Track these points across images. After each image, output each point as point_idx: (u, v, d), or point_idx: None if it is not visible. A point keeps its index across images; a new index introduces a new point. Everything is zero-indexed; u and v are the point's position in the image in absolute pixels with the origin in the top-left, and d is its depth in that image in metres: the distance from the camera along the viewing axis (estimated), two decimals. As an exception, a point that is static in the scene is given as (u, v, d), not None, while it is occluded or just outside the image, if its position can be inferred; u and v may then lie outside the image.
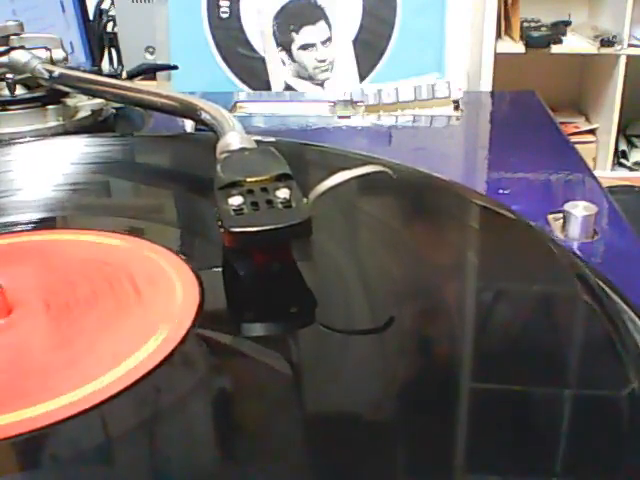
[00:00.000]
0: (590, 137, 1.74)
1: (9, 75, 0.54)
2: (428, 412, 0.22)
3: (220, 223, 0.27)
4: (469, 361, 0.25)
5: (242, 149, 0.34)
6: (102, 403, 0.22)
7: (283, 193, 0.28)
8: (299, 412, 0.23)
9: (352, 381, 0.24)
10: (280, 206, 0.27)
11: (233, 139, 0.34)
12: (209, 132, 0.39)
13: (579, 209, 0.36)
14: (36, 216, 0.36)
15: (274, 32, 0.82)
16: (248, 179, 0.29)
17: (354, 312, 0.28)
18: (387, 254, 0.32)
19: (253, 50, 0.82)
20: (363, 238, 0.35)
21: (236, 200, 0.28)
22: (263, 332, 0.27)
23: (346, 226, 0.36)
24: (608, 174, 1.66)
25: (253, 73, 0.83)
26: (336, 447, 0.20)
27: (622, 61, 1.57)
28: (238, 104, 0.66)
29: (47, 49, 0.55)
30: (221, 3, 0.81)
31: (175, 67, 0.75)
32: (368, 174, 0.29)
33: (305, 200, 0.28)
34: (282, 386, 0.24)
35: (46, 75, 0.52)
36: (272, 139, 0.45)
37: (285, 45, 0.82)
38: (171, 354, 0.24)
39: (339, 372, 0.24)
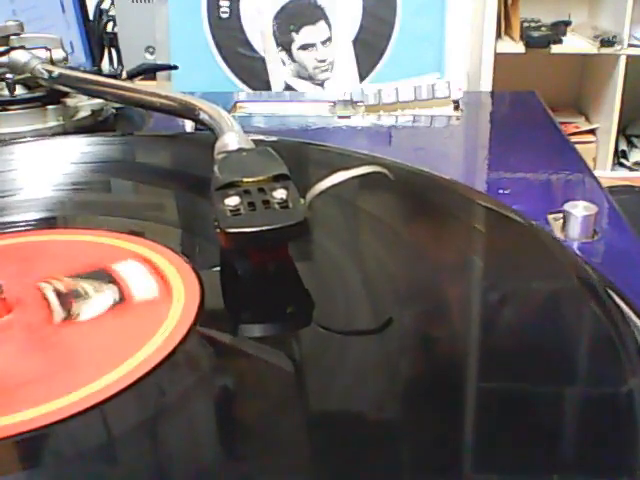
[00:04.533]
0: (590, 137, 1.74)
1: (9, 75, 0.54)
2: (427, 413, 0.22)
3: (217, 224, 0.27)
4: (468, 361, 0.25)
5: (240, 149, 0.34)
6: (103, 403, 0.22)
7: (280, 193, 0.28)
8: (297, 412, 0.23)
9: (350, 382, 0.24)
10: (277, 207, 0.27)
11: (231, 139, 0.35)
12: (209, 131, 0.39)
13: (579, 209, 0.36)
14: (36, 216, 0.36)
15: (274, 32, 0.82)
16: (245, 179, 0.29)
17: (352, 312, 0.28)
18: (386, 254, 0.32)
19: (253, 50, 0.82)
20: (362, 238, 0.35)
21: (233, 201, 0.28)
22: (262, 333, 0.27)
23: (345, 226, 0.36)
24: (608, 174, 1.66)
25: (253, 73, 0.83)
26: (334, 447, 0.20)
27: (622, 61, 1.57)
28: (238, 104, 0.66)
29: (47, 49, 0.55)
30: (221, 3, 0.81)
31: (175, 67, 0.75)
32: (365, 175, 0.29)
33: (302, 201, 0.28)
34: (281, 386, 0.24)
35: (46, 75, 0.52)
36: (274, 138, 0.45)
37: (285, 45, 0.82)
38: (172, 353, 0.24)
39: (336, 373, 0.24)
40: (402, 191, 0.37)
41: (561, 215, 0.36)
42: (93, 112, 0.56)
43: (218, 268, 0.30)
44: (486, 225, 0.36)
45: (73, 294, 0.28)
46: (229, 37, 0.82)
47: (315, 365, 0.25)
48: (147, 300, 0.27)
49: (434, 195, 0.38)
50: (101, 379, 0.23)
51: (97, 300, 0.27)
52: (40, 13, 0.77)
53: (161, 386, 0.23)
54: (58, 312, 0.27)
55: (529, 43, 1.57)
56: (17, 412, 0.22)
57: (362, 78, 0.81)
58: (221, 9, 0.81)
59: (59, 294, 0.28)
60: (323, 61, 0.83)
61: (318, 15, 0.82)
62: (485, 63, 1.08)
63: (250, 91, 0.82)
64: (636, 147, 1.77)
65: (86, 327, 0.26)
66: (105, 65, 0.96)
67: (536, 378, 0.23)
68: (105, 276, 0.29)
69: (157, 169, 0.45)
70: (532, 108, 0.63)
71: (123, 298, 0.27)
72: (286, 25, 0.82)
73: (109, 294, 0.28)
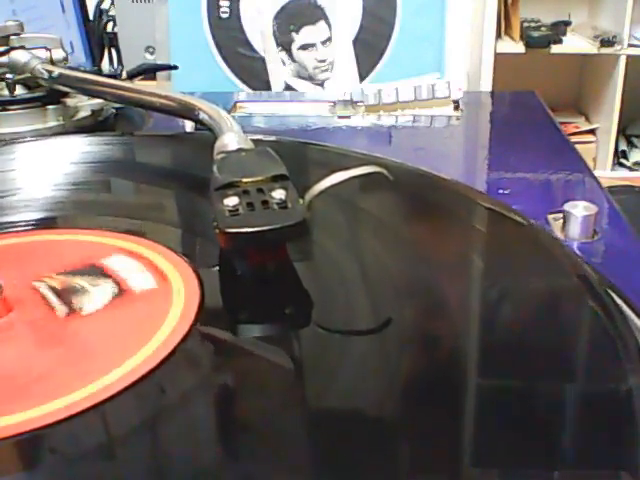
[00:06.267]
0: (590, 137, 1.74)
1: (9, 75, 0.54)
2: (427, 412, 0.22)
3: (216, 224, 0.27)
4: (468, 360, 0.25)
5: (239, 150, 0.34)
6: (104, 402, 0.22)
7: (279, 194, 0.28)
8: (296, 411, 0.23)
9: (349, 381, 0.24)
10: (276, 207, 0.27)
11: (230, 139, 0.35)
12: (209, 131, 0.39)
13: (579, 209, 0.36)
14: (36, 216, 0.36)
15: (274, 32, 0.82)
16: (244, 180, 0.29)
17: (351, 312, 0.28)
18: (386, 254, 0.32)
19: (253, 50, 0.82)
20: (361, 238, 0.35)
21: (232, 201, 0.28)
22: (261, 332, 0.27)
23: (344, 226, 0.36)
24: (608, 174, 1.66)
25: (253, 73, 0.83)
26: (334, 446, 0.20)
27: (622, 61, 1.57)
28: (238, 104, 0.66)
29: (47, 49, 0.55)
30: (221, 3, 0.81)
31: (175, 67, 0.75)
32: (364, 175, 0.29)
33: (301, 201, 0.28)
34: (280, 386, 0.24)
35: (46, 75, 0.52)
36: (272, 138, 0.45)
37: (285, 45, 0.82)
38: (172, 353, 0.24)
39: (336, 372, 0.24)
40: (401, 191, 0.37)
41: (561, 215, 0.36)
42: (93, 112, 0.56)
43: (218, 268, 0.30)
44: (486, 225, 0.36)
45: (70, 290, 0.28)
46: (229, 37, 0.82)
47: (315, 364, 0.25)
48: (146, 300, 0.27)
49: (433, 195, 0.38)
50: (101, 379, 0.23)
51: (96, 294, 0.27)
52: (40, 13, 0.77)
53: (162, 385, 0.23)
54: (60, 309, 0.27)
55: (529, 43, 1.57)
56: (15, 412, 0.22)
57: (362, 78, 0.81)
58: (221, 9, 0.81)
59: (56, 291, 0.28)
60: (323, 61, 0.83)
61: (318, 15, 0.82)
62: (485, 63, 1.08)
63: (250, 91, 0.82)
64: (636, 147, 1.77)
65: (84, 328, 0.26)
66: (105, 65, 0.96)
67: (536, 377, 0.23)
68: (97, 270, 0.29)
69: (157, 169, 0.45)
70: (532, 108, 0.63)
71: (122, 292, 0.28)
72: (286, 25, 0.82)
73: (107, 288, 0.28)
